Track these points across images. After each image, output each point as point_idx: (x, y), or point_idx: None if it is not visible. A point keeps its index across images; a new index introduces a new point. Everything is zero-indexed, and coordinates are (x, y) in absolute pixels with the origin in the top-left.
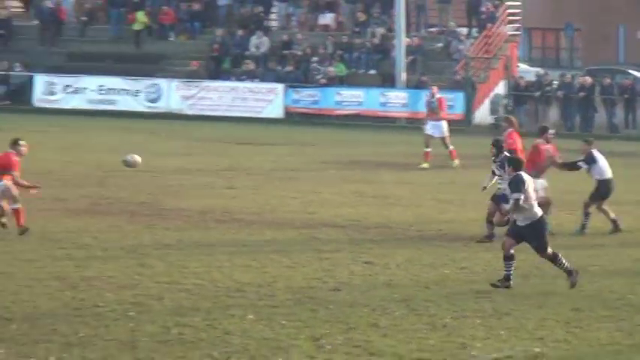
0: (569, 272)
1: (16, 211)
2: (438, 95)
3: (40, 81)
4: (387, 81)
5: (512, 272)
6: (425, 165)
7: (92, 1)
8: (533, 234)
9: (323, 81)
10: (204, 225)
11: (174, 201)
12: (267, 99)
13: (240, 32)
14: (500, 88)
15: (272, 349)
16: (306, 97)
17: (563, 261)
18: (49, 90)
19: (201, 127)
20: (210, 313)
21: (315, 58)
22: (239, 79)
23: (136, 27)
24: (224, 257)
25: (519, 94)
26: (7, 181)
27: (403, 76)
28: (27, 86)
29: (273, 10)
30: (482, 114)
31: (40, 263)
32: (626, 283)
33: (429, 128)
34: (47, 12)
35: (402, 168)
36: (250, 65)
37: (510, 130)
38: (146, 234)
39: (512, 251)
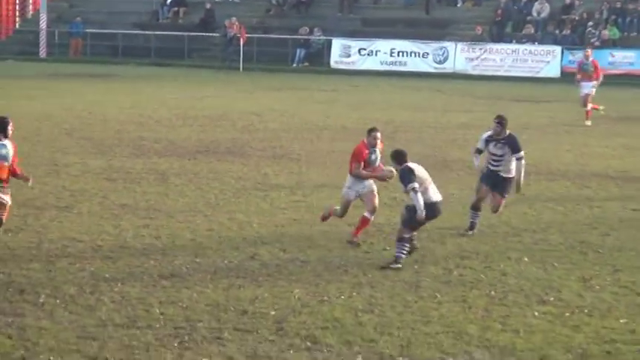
0: (397, 259)
1: None
2: (591, 58)
3: (337, 44)
4: None
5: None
6: (588, 123)
7: None
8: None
9: (597, 43)
10: None
11: (458, 153)
12: (545, 60)
13: None
14: None
15: (545, 288)
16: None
17: (404, 250)
18: (345, 53)
19: (483, 86)
20: (488, 256)
21: (590, 23)
22: (519, 42)
23: None
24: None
25: None
26: None
27: None
28: (325, 49)
29: None
30: None
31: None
32: None
33: (584, 89)
34: None
35: None
36: (530, 29)
37: None
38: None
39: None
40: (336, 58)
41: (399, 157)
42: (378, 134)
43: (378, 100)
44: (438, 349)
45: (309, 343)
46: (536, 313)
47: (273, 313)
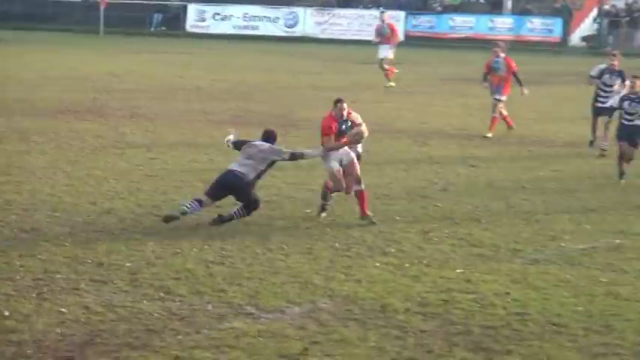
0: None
1: None
2: (388, 22)
3: (193, 9)
4: (495, 8)
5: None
6: (392, 84)
7: None
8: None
9: (439, 9)
10: None
11: (306, 113)
12: None
13: None
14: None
15: (386, 240)
16: (424, 23)
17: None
18: (200, 17)
19: (331, 49)
20: (333, 210)
21: None
22: (366, 7)
23: None
24: None
25: (611, 19)
26: None
27: (509, 4)
28: (181, 14)
29: None
30: (577, 38)
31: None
32: None
33: (382, 52)
34: None
35: None
36: None
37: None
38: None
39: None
40: (191, 23)
41: (269, 136)
42: (345, 105)
43: (232, 63)
44: (285, 299)
45: (162, 294)
46: (377, 264)
47: (128, 264)
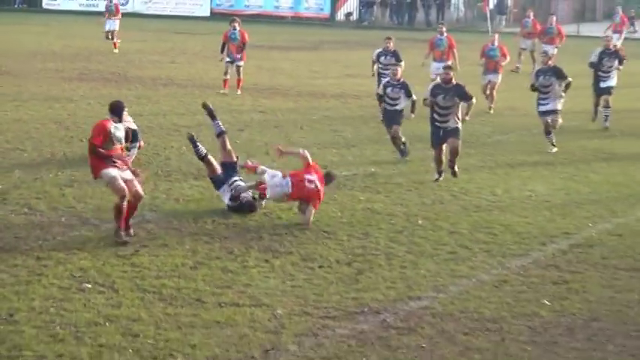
0: None
1: None
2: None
3: None
4: None
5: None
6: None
7: None
8: None
9: None
10: (154, 87)
11: (136, 71)
12: (199, 3)
13: None
14: None
15: (197, 168)
16: (226, 2)
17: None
18: None
19: (154, 23)
20: (156, 145)
21: None
22: None
23: None
24: (168, 105)
25: (367, 1)
26: None
27: None
28: None
29: None
30: (341, 14)
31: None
32: None
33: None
34: None
35: (285, 50)
36: None
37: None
38: (116, 92)
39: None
40: (47, 1)
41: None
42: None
43: (78, 33)
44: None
45: (26, 209)
46: (190, 186)
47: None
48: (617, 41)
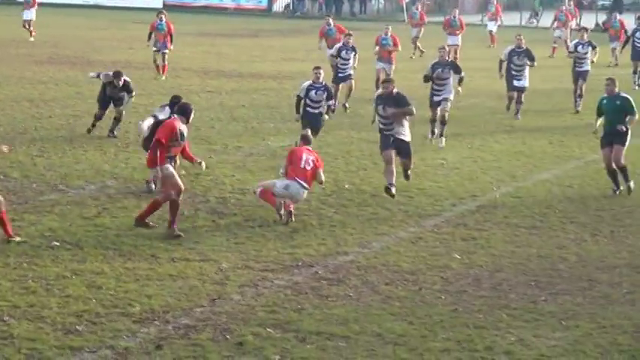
0: None
1: None
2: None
3: None
4: None
5: None
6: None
7: None
8: None
9: None
10: (114, 69)
11: (98, 56)
12: None
13: None
14: None
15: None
16: None
17: None
18: None
19: (114, 14)
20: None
21: None
22: None
23: None
24: None
25: None
26: None
27: None
28: None
29: None
30: (278, 6)
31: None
32: None
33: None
34: None
35: (229, 37)
36: None
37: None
38: (81, 74)
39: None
40: None
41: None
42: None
43: (50, 23)
44: (85, 180)
45: (1, 177)
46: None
47: None
48: (492, 27)
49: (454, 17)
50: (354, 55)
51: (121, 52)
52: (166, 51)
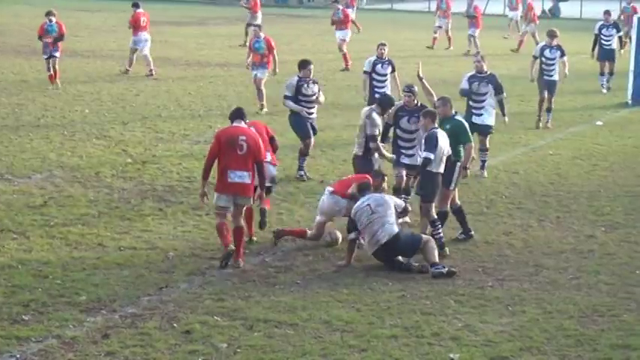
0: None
1: None
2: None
3: None
4: None
5: None
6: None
7: None
8: None
9: None
10: (60, 58)
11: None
12: None
13: None
14: None
15: (99, 129)
16: None
17: None
18: None
19: (60, 1)
20: (64, 108)
21: None
22: None
23: None
24: (73, 74)
25: None
26: None
27: None
28: None
29: None
30: None
31: None
32: None
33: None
34: None
35: (176, 25)
36: None
37: None
38: (26, 62)
39: None
40: None
41: None
42: None
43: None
44: (31, 169)
45: None
46: (93, 146)
47: None
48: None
49: (337, 10)
50: (392, 70)
51: (67, 41)
52: (57, 54)
